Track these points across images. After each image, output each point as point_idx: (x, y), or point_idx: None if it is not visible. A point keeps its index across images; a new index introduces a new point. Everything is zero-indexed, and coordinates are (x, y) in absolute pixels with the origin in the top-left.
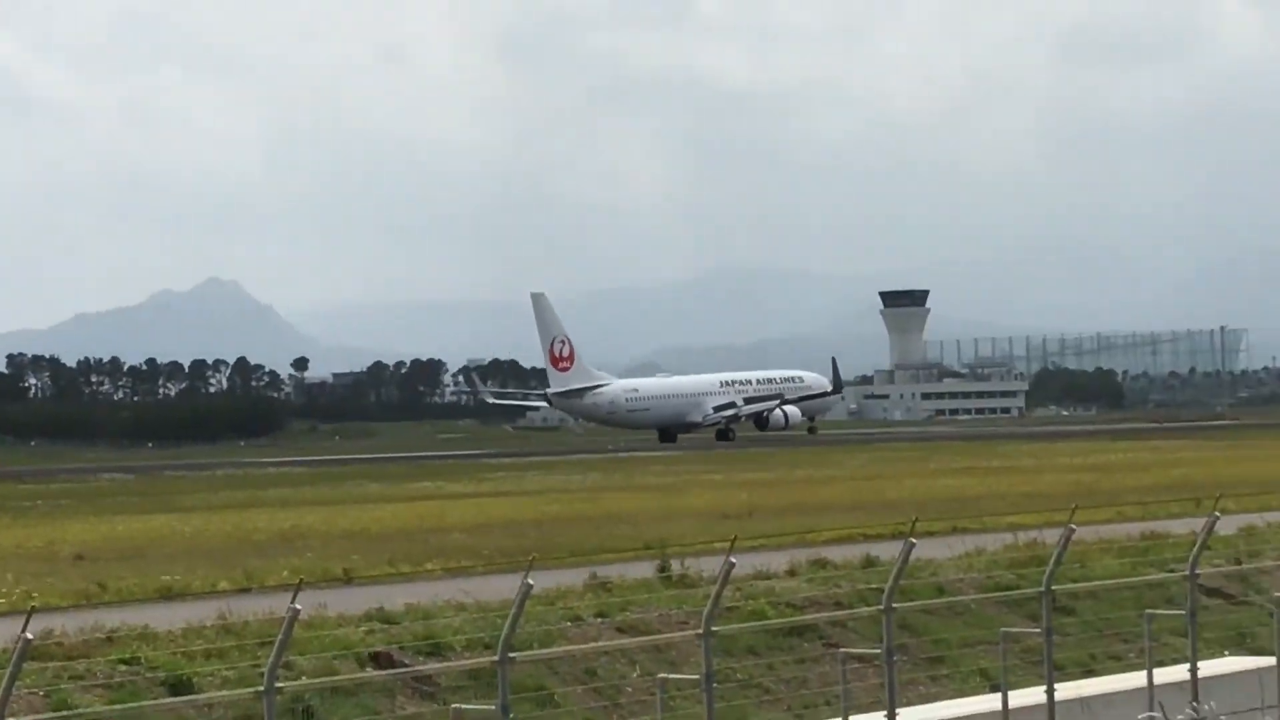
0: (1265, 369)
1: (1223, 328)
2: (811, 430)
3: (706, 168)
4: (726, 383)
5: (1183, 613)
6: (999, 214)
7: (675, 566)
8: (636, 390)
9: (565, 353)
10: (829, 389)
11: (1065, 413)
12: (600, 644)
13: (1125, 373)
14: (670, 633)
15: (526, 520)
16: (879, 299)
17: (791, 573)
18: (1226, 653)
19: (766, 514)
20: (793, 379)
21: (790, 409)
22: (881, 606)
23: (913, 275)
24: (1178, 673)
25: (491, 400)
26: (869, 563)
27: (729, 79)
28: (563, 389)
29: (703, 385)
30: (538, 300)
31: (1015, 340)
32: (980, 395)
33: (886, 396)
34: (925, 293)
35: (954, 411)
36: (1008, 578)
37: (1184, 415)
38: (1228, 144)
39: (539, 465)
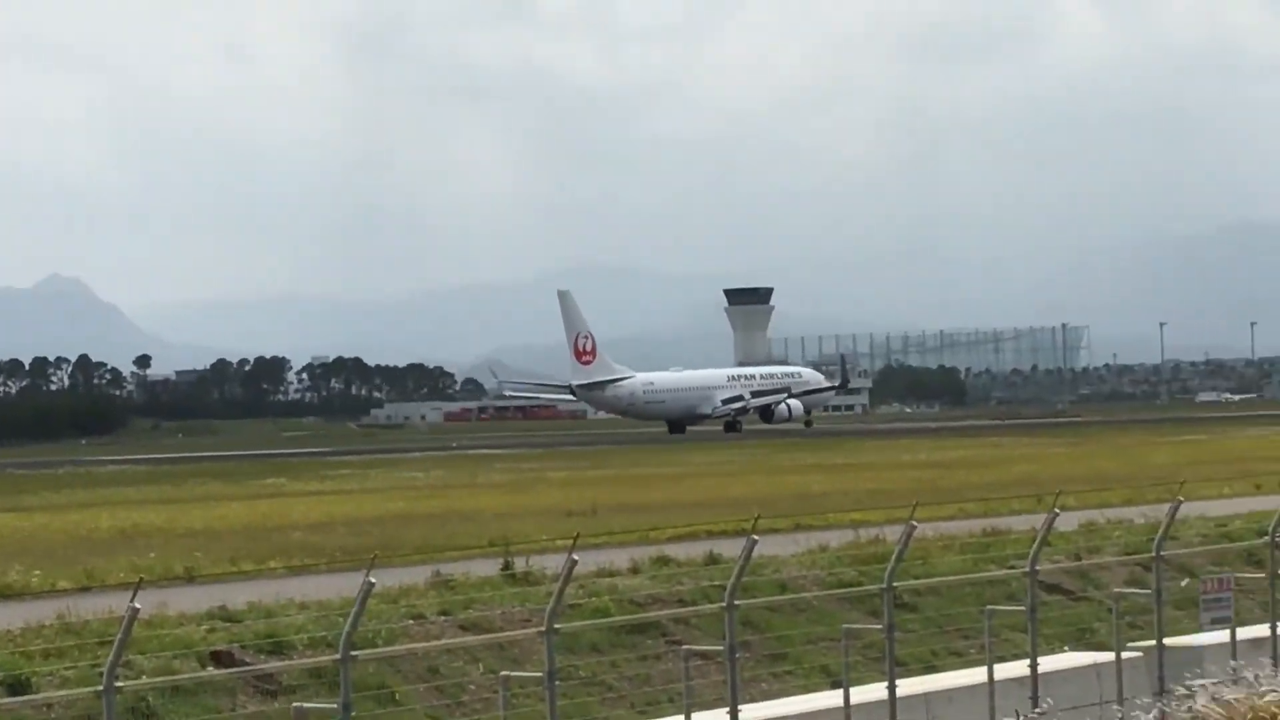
0: (1106, 366)
1: (1064, 325)
2: (808, 424)
3: (551, 166)
4: (734, 377)
5: (1023, 609)
6: (844, 212)
7: (519, 564)
8: (653, 384)
9: (589, 347)
10: (826, 384)
11: (908, 410)
12: (443, 642)
13: (968, 370)
14: (513, 630)
15: (370, 518)
16: (723, 297)
17: (634, 570)
18: (1066, 648)
19: (611, 511)
20: (793, 374)
21: (794, 403)
22: (724, 603)
23: (757, 273)
24: (1018, 668)
25: (509, 393)
26: (712, 560)
27: (573, 77)
28: (586, 381)
29: (712, 380)
30: (564, 297)
31: (859, 338)
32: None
33: None
34: (769, 290)
35: None
36: (850, 574)
37: (1026, 412)
38: (1069, 144)
39: (383, 462)
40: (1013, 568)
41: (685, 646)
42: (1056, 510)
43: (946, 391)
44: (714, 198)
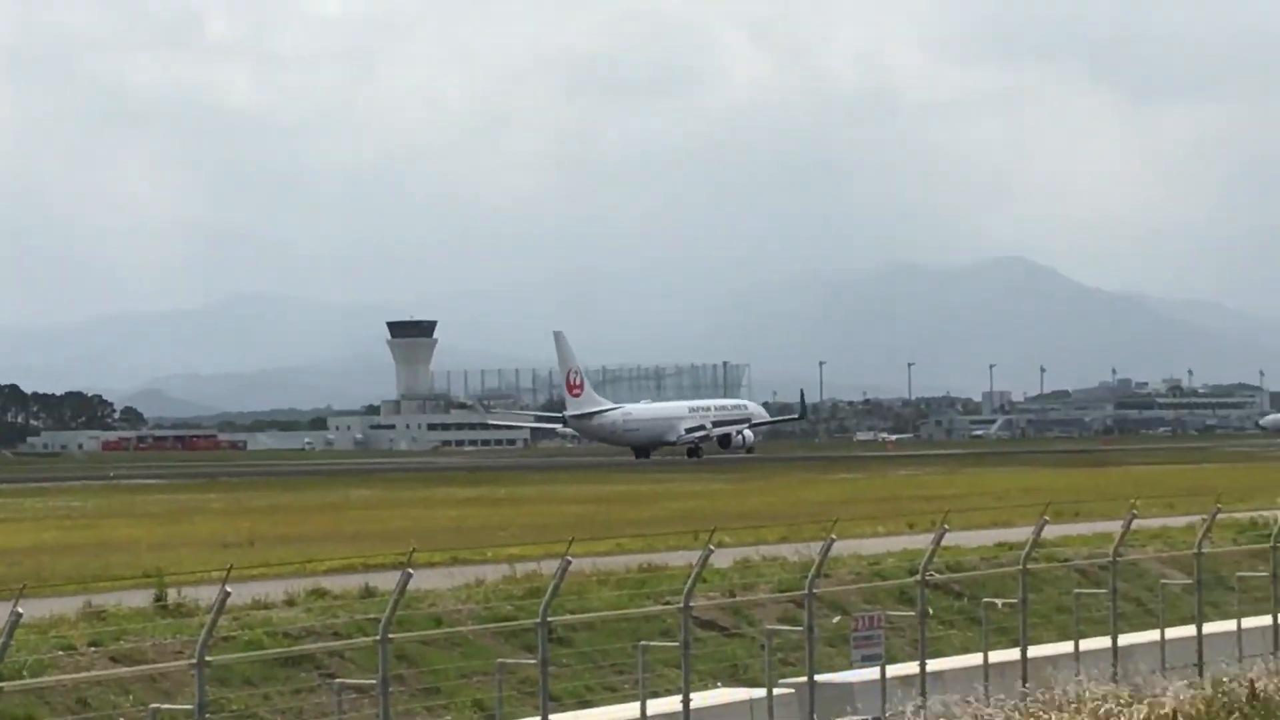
0: (766, 404)
1: (725, 363)
2: (749, 450)
3: (212, 194)
4: (694, 409)
5: (677, 644)
6: (510, 246)
7: (172, 595)
8: (630, 414)
9: (578, 381)
10: (768, 417)
11: (571, 444)
12: (92, 673)
13: None
14: (164, 662)
15: (23, 547)
16: (386, 329)
17: (290, 602)
18: (719, 684)
19: (270, 543)
20: (741, 406)
21: (748, 432)
22: (378, 637)
23: (423, 305)
24: (670, 704)
25: (494, 422)
26: (368, 593)
27: (236, 104)
28: (577, 412)
29: (676, 411)
30: (558, 337)
31: (522, 372)
32: (487, 426)
33: (393, 427)
34: (432, 324)
35: (460, 442)
36: (506, 609)
37: None
38: (734, 182)
39: (39, 491)
40: (668, 603)
41: (338, 680)
42: (711, 547)
43: None
44: (380, 227)
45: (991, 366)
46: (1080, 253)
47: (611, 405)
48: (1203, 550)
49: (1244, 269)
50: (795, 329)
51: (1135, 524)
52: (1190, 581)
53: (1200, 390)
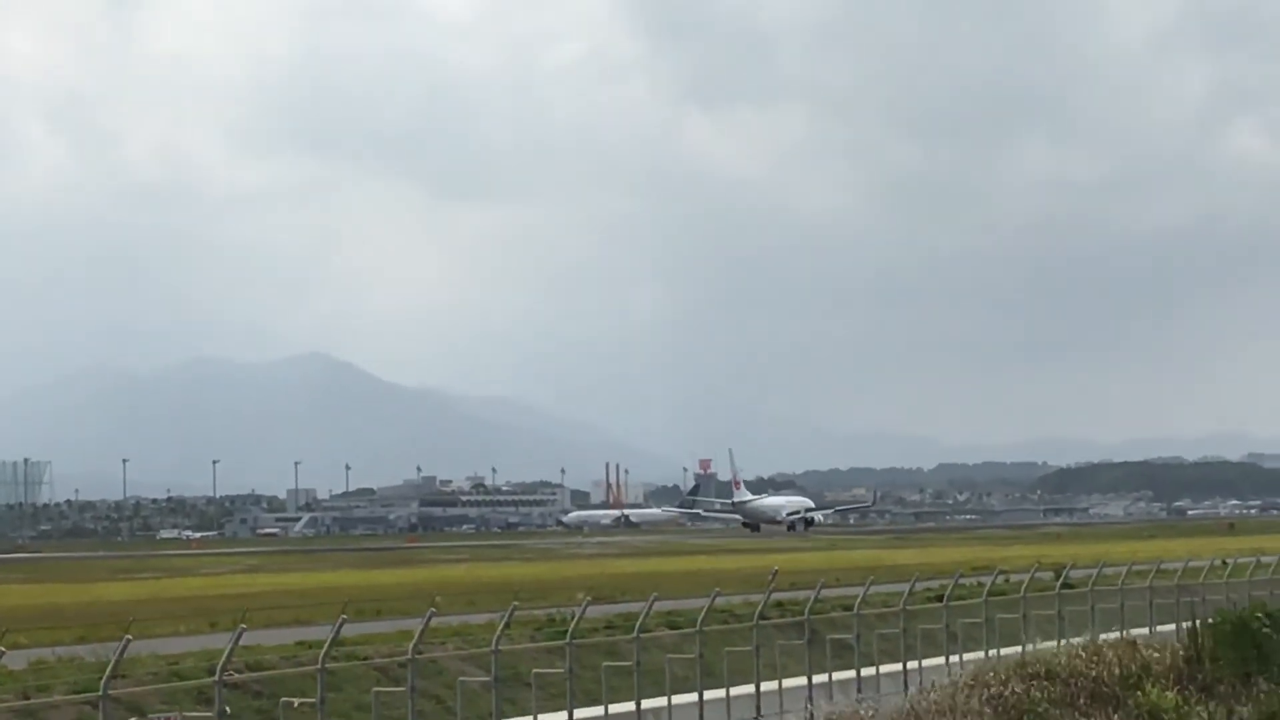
0: (68, 502)
1: (26, 460)
2: (808, 525)
3: None
4: (789, 502)
5: None
6: None
7: None
8: (761, 502)
9: (739, 480)
10: (826, 507)
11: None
12: None
13: None
14: None
15: None
16: None
17: None
18: None
19: None
20: (805, 501)
21: (819, 515)
22: None
23: None
24: None
25: (678, 509)
26: None
27: None
28: (740, 500)
29: (781, 503)
30: (730, 454)
31: None
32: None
33: None
34: None
35: None
36: None
37: None
38: (29, 271)
39: None
40: None
41: None
42: (2, 649)
43: None
44: None
45: (297, 464)
46: (381, 349)
47: (754, 497)
48: (500, 648)
49: (546, 368)
50: (95, 426)
51: (436, 621)
52: (489, 679)
53: (504, 488)
